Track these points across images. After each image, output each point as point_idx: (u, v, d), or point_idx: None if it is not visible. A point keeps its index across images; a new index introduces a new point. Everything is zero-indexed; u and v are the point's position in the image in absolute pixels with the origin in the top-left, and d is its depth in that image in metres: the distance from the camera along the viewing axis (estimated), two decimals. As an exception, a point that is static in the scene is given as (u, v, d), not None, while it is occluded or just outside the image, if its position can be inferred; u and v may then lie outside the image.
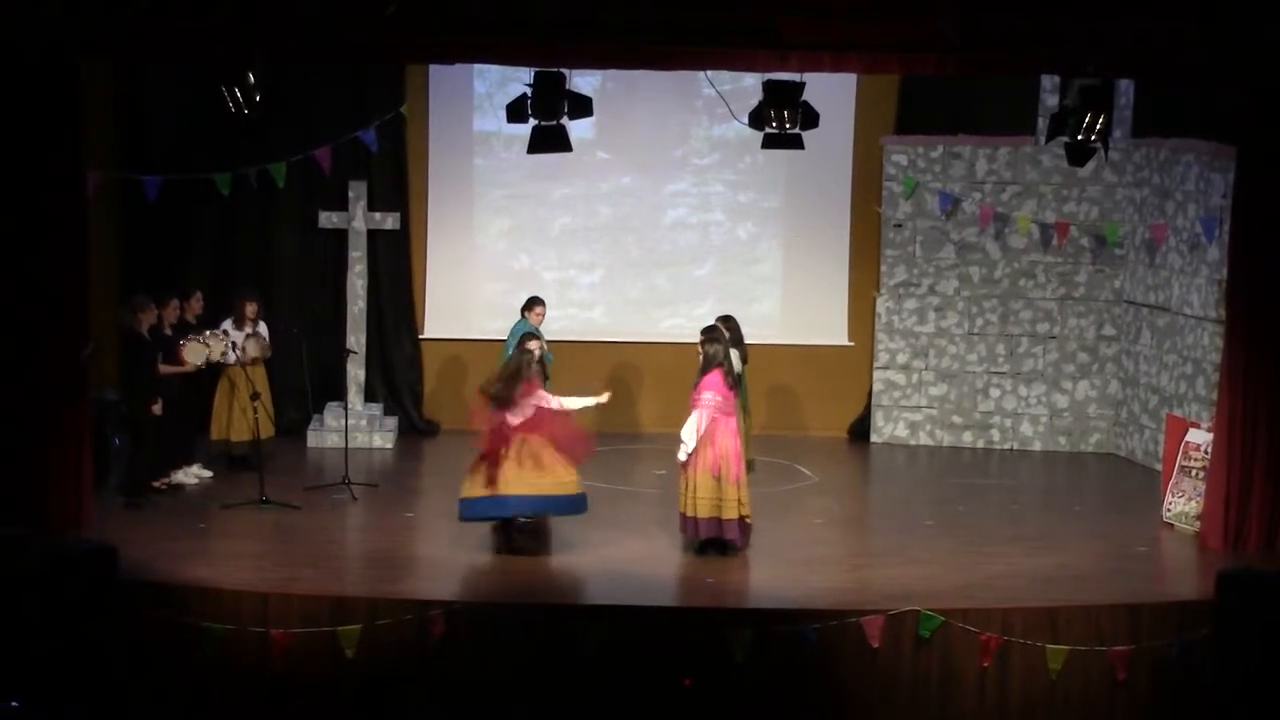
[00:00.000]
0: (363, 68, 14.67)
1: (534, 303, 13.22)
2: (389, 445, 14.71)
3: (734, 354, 12.57)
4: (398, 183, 15.27)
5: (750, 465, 12.62)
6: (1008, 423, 15.47)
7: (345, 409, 14.15)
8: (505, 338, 13.03)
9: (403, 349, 15.49)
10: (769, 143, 11.68)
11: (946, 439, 15.54)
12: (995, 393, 15.46)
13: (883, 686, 10.09)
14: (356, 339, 14.84)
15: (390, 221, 14.93)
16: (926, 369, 15.53)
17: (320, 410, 14.81)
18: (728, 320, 12.76)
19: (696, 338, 11.62)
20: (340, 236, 14.92)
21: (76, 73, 11.06)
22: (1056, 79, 13.30)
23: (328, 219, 14.82)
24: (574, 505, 11.19)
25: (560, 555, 11.22)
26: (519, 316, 13.29)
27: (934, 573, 11.01)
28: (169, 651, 9.93)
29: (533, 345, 11.71)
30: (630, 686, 9.94)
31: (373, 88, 14.93)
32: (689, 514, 11.11)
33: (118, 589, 9.65)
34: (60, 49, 10.78)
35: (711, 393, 11.07)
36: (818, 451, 15.04)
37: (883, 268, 15.49)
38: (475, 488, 11.03)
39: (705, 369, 11.19)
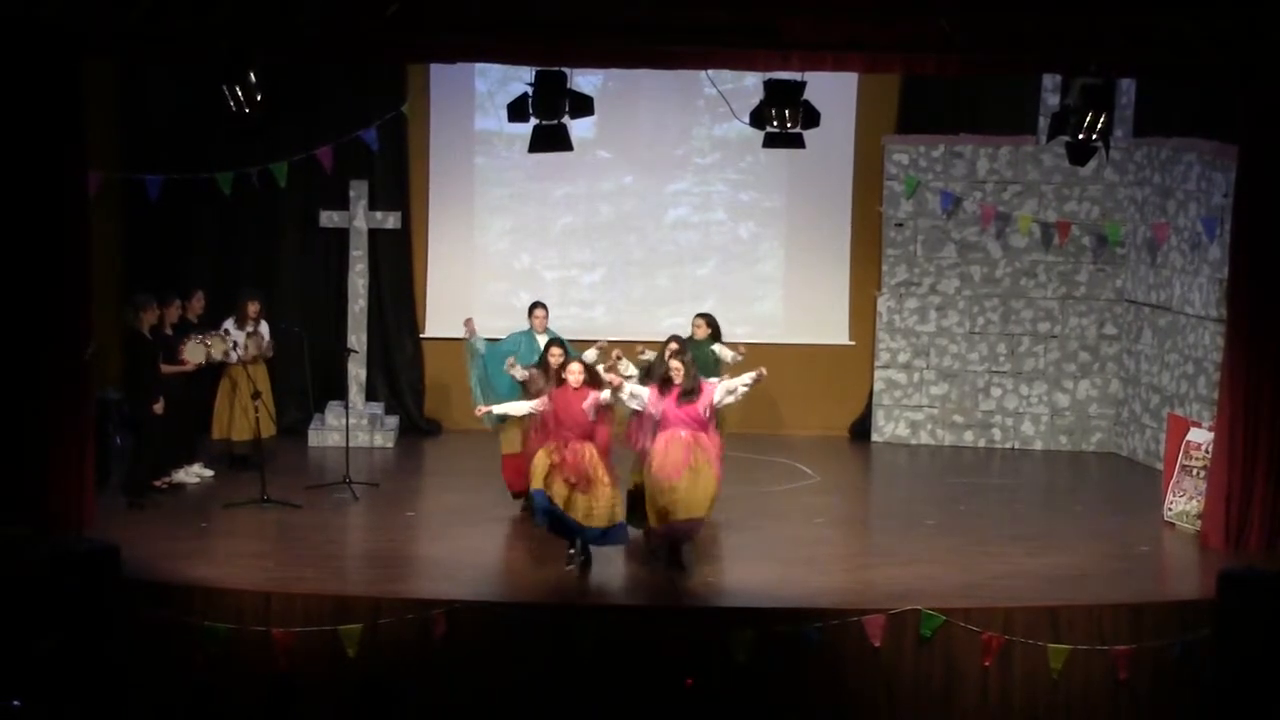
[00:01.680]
0: (364, 67, 14.66)
1: (533, 307, 12.61)
2: (390, 444, 14.71)
3: (725, 350, 12.57)
4: (399, 182, 15.26)
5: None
6: (1009, 422, 15.46)
7: (346, 408, 14.16)
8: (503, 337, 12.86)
9: (404, 348, 15.49)
10: (770, 142, 11.68)
11: (948, 438, 15.53)
12: (996, 392, 15.46)
13: (884, 686, 10.08)
14: (357, 338, 14.84)
15: (391, 220, 14.93)
16: (927, 368, 15.52)
17: (321, 409, 14.81)
18: (707, 318, 12.68)
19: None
20: (341, 235, 14.92)
21: (78, 73, 11.06)
22: (1057, 78, 13.29)
23: (329, 218, 14.82)
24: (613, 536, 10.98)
25: (560, 556, 11.20)
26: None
27: (935, 572, 11.00)
28: (171, 651, 9.93)
29: (553, 357, 11.52)
30: (630, 686, 9.94)
31: (374, 87, 14.91)
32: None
33: (119, 589, 9.65)
34: (61, 49, 10.78)
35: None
36: (818, 451, 15.03)
37: (884, 267, 15.48)
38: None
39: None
